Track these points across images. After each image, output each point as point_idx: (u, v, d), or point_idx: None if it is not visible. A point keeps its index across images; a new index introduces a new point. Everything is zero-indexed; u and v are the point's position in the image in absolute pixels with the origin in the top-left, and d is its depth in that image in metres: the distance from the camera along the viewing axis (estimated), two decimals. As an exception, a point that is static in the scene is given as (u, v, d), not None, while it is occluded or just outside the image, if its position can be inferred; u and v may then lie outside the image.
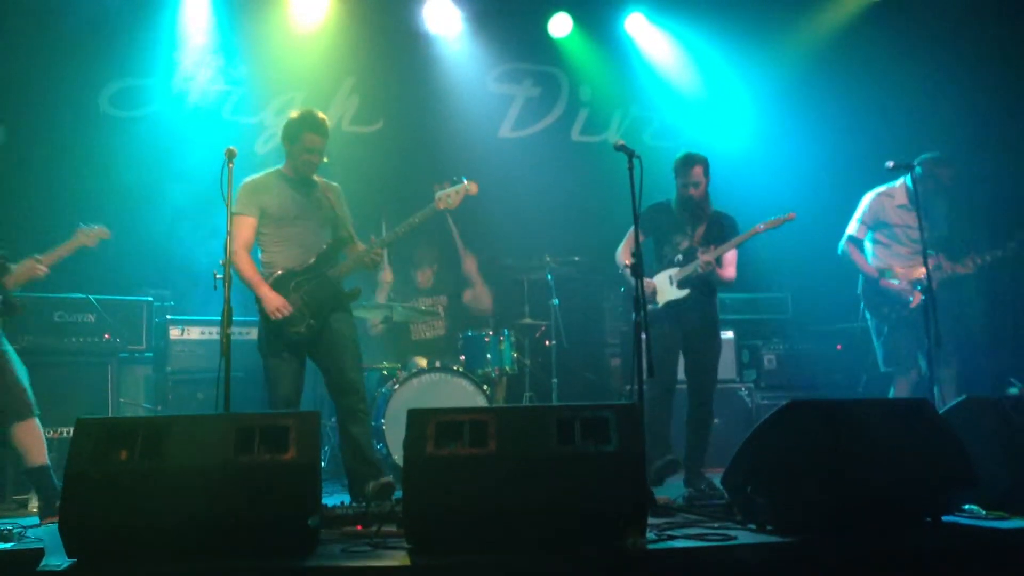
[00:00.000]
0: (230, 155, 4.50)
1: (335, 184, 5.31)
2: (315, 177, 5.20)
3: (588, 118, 8.54)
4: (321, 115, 5.13)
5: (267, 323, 4.97)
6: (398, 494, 4.22)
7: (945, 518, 3.99)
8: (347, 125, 7.80)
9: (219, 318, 4.36)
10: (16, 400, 4.79)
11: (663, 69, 8.48)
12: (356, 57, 7.76)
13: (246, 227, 4.98)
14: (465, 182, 5.41)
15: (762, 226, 5.64)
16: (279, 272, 5.02)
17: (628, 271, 5.12)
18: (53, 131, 6.73)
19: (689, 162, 5.64)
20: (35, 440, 4.81)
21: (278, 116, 7.72)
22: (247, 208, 5.00)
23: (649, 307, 5.32)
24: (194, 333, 6.57)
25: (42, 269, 5.03)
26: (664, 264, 5.73)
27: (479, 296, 7.25)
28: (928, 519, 3.94)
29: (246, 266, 4.96)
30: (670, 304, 5.65)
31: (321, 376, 5.25)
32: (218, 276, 4.42)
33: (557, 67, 8.46)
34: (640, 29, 8.39)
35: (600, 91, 8.49)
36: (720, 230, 5.73)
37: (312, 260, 5.08)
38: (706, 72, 8.44)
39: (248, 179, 5.11)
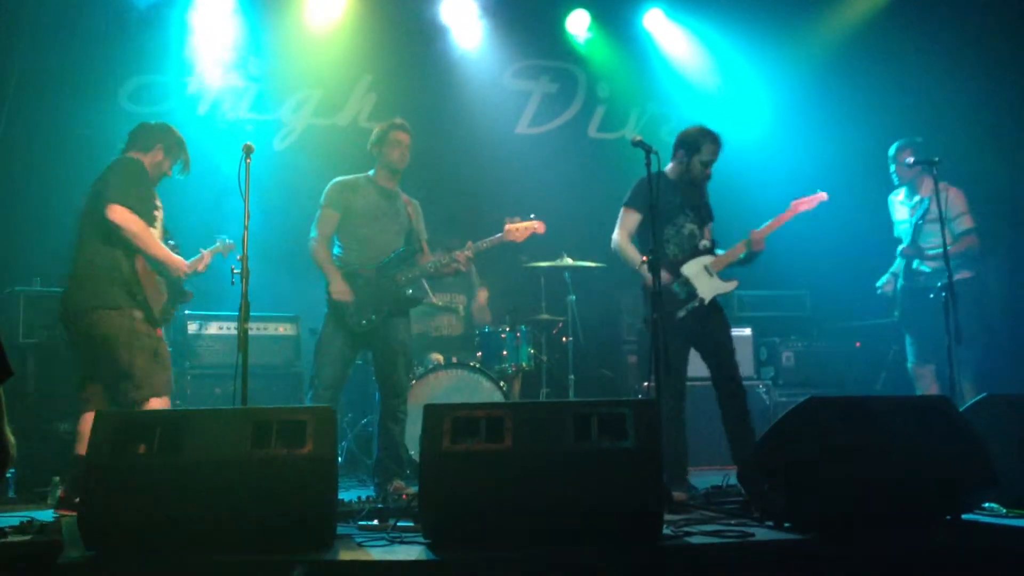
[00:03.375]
0: (248, 151, 4.54)
1: (416, 201, 5.76)
2: (400, 191, 5.66)
3: (605, 115, 8.53)
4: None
5: (333, 309, 5.36)
6: (415, 488, 4.23)
7: (965, 516, 3.96)
8: (364, 122, 7.82)
9: (237, 313, 4.38)
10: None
11: (681, 66, 8.46)
12: (373, 54, 7.78)
13: (329, 221, 5.48)
14: (533, 219, 5.81)
15: (803, 204, 5.52)
16: (351, 268, 5.42)
17: (645, 267, 4.81)
18: (74, 126, 6.77)
19: (714, 139, 5.30)
20: None
21: (295, 113, 7.77)
22: (334, 203, 5.48)
23: (690, 307, 5.16)
24: (212, 328, 6.61)
25: (204, 266, 5.24)
26: (684, 252, 5.30)
27: (483, 312, 7.33)
28: (948, 517, 3.91)
29: (323, 254, 5.43)
30: (714, 300, 5.24)
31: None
32: (235, 271, 4.44)
33: (574, 64, 8.45)
34: (658, 25, 8.37)
35: (618, 88, 8.48)
36: (709, 213, 5.48)
37: (383, 262, 5.44)
38: (724, 69, 8.42)
39: (340, 178, 5.59)
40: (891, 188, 6.64)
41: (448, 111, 7.97)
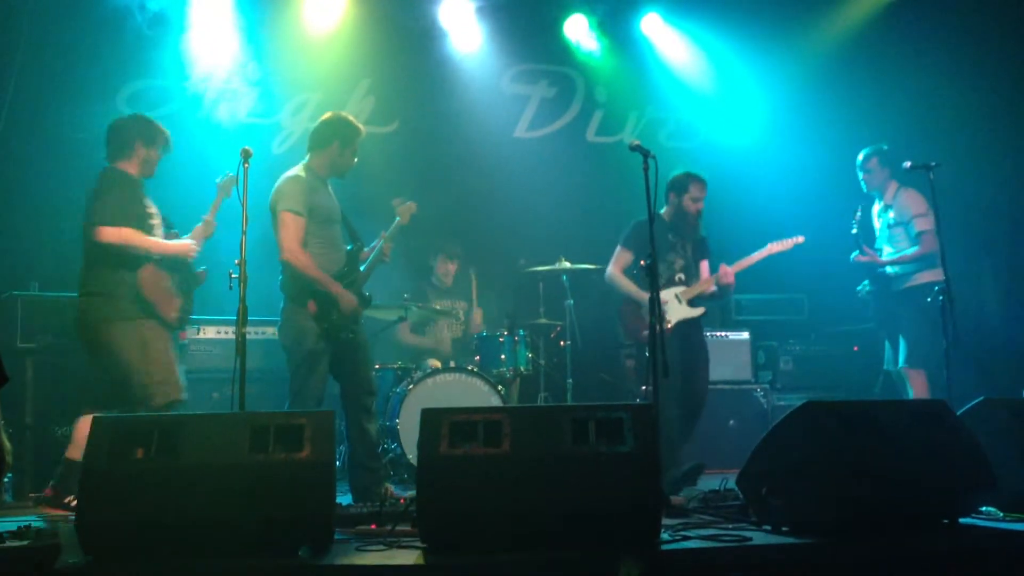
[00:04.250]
0: (246, 155, 4.54)
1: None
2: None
3: (603, 119, 8.53)
4: None
5: (324, 326, 4.99)
6: (412, 493, 4.23)
7: (962, 520, 3.96)
8: (362, 126, 7.80)
9: (235, 317, 4.38)
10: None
11: (679, 70, 8.46)
12: (372, 58, 7.78)
13: (300, 225, 4.97)
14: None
15: (776, 247, 5.86)
16: (336, 276, 5.06)
17: (633, 287, 5.52)
18: (72, 130, 6.77)
19: (699, 179, 5.77)
20: None
21: (294, 117, 7.77)
22: (300, 206, 4.98)
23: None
24: (210, 332, 6.60)
25: (211, 224, 5.16)
26: (663, 282, 5.63)
27: (476, 322, 7.33)
28: (945, 521, 3.91)
29: (312, 265, 4.96)
30: (680, 323, 5.72)
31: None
32: (233, 275, 4.44)
33: (573, 68, 8.45)
34: (656, 30, 8.37)
35: (616, 92, 8.48)
36: (704, 249, 5.93)
37: (344, 264, 5.16)
38: (722, 73, 8.42)
39: (295, 176, 5.09)
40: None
41: (446, 115, 7.97)
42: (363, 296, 5.22)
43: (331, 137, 5.18)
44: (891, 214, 6.35)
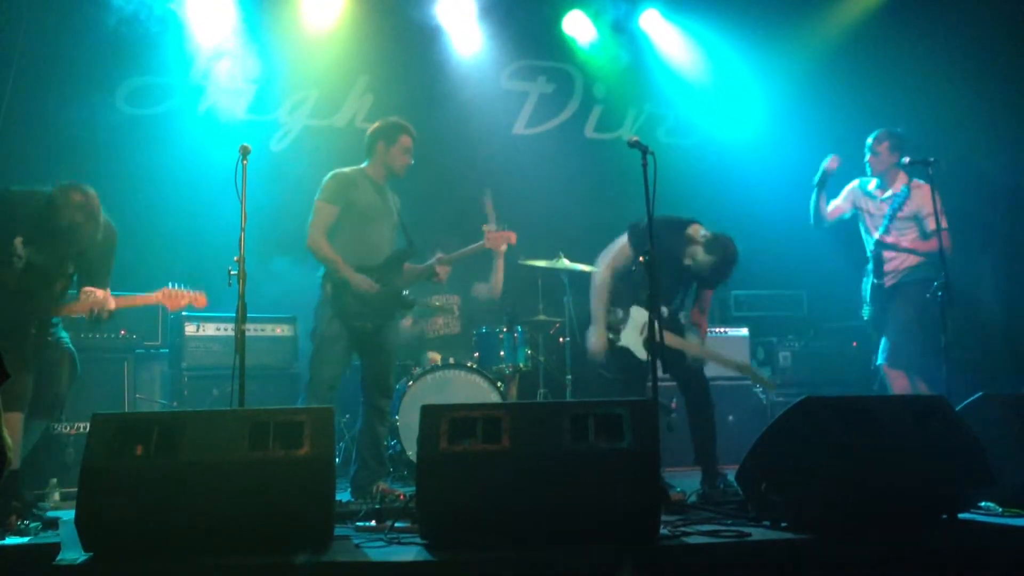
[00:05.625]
0: (244, 152, 4.54)
1: (397, 196, 5.62)
2: (387, 186, 5.51)
3: (602, 115, 8.53)
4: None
5: (335, 309, 5.20)
6: (412, 489, 4.23)
7: (961, 515, 3.97)
8: (361, 123, 7.80)
9: (234, 314, 4.38)
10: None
11: (678, 66, 8.46)
12: (370, 55, 7.77)
13: (329, 215, 5.27)
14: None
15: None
16: (357, 266, 5.24)
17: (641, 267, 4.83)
18: (71, 128, 6.77)
19: (695, 229, 5.38)
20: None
21: (292, 114, 7.77)
22: (334, 198, 5.28)
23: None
24: (209, 329, 6.59)
25: (107, 310, 4.86)
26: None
27: (494, 285, 7.19)
28: (944, 516, 3.92)
29: (328, 249, 5.22)
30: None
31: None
32: (232, 272, 4.44)
33: (571, 64, 8.45)
34: (655, 25, 8.37)
35: (614, 88, 8.48)
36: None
37: (380, 262, 5.32)
38: (720, 69, 8.42)
39: (340, 171, 5.40)
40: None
41: (445, 112, 7.96)
42: (400, 297, 5.39)
43: (375, 141, 5.47)
44: (905, 206, 6.12)
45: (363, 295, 5.19)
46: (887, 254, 6.16)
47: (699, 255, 5.32)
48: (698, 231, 5.35)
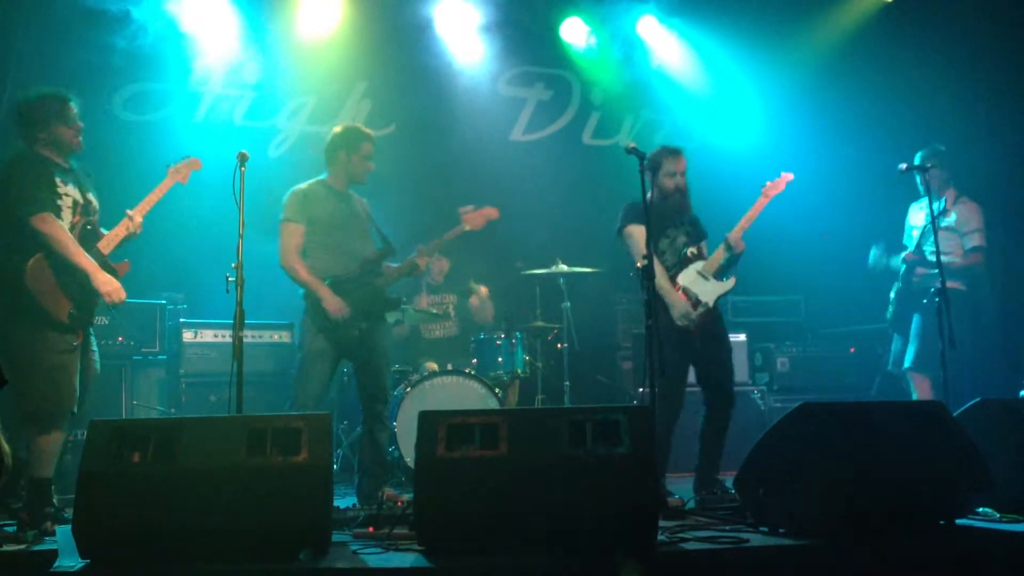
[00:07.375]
0: (242, 158, 4.55)
1: (363, 198, 5.58)
2: (351, 192, 5.47)
3: (600, 121, 8.55)
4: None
5: (318, 323, 5.17)
6: (410, 495, 4.23)
7: (959, 521, 3.96)
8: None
9: (232, 321, 4.38)
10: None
11: (675, 72, 8.47)
12: (368, 61, 7.79)
13: (296, 234, 5.25)
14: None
15: (772, 189, 5.56)
16: (337, 277, 5.22)
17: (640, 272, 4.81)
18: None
19: (676, 152, 5.38)
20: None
21: (290, 120, 7.78)
22: (297, 216, 5.26)
23: (700, 311, 5.23)
24: (207, 336, 6.60)
25: (135, 222, 4.84)
26: (675, 263, 5.36)
27: (485, 309, 7.32)
28: (942, 522, 3.91)
29: (302, 269, 5.21)
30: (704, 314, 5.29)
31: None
32: (230, 279, 4.44)
33: (569, 70, 8.47)
34: (652, 32, 8.38)
35: (612, 94, 8.49)
36: (698, 227, 5.55)
37: (357, 268, 5.30)
38: (717, 75, 8.43)
39: (297, 188, 5.35)
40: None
41: (443, 118, 7.98)
42: (385, 298, 5.38)
43: (336, 149, 5.41)
44: (952, 220, 6.33)
45: (349, 304, 5.13)
46: (921, 265, 6.30)
47: (652, 181, 5.32)
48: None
